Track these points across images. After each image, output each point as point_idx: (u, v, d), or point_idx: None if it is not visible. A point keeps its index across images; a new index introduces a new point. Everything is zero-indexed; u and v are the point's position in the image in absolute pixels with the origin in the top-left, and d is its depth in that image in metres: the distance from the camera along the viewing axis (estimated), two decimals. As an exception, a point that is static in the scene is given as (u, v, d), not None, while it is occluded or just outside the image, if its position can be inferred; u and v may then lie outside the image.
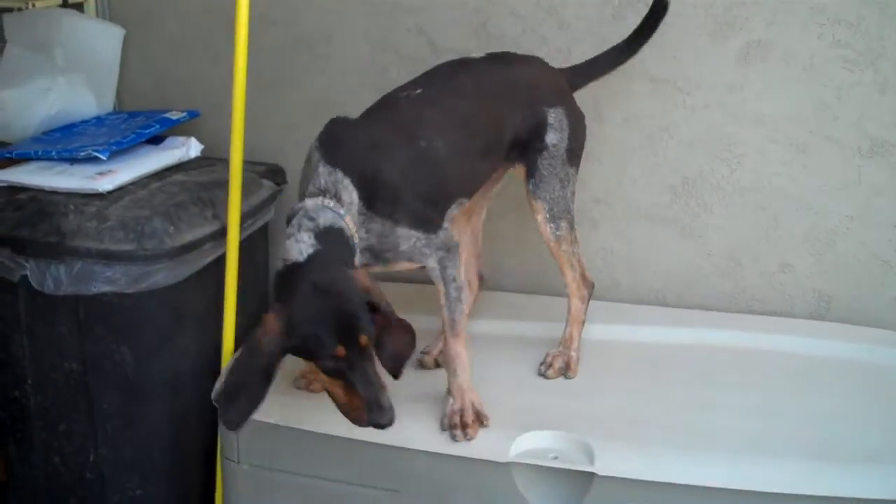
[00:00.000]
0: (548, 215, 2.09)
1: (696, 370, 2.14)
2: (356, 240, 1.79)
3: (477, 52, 2.15)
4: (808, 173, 2.37)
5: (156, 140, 2.44)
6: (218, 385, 1.79)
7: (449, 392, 1.93)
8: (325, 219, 1.75)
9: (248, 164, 2.30)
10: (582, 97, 2.37)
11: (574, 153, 2.13)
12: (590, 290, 2.20)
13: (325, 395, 1.76)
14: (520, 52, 2.22)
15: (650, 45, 2.36)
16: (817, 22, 2.30)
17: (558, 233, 2.11)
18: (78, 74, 2.56)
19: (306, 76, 2.66)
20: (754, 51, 2.35)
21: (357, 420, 1.71)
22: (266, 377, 1.67)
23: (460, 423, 1.89)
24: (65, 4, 2.69)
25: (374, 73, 2.59)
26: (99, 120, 2.57)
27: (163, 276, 2.09)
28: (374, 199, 1.81)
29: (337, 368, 1.68)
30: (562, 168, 2.09)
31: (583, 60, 2.27)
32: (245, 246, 2.21)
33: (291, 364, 1.79)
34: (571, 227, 2.12)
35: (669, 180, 2.47)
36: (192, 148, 2.44)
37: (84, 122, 2.56)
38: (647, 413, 1.94)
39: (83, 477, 2.21)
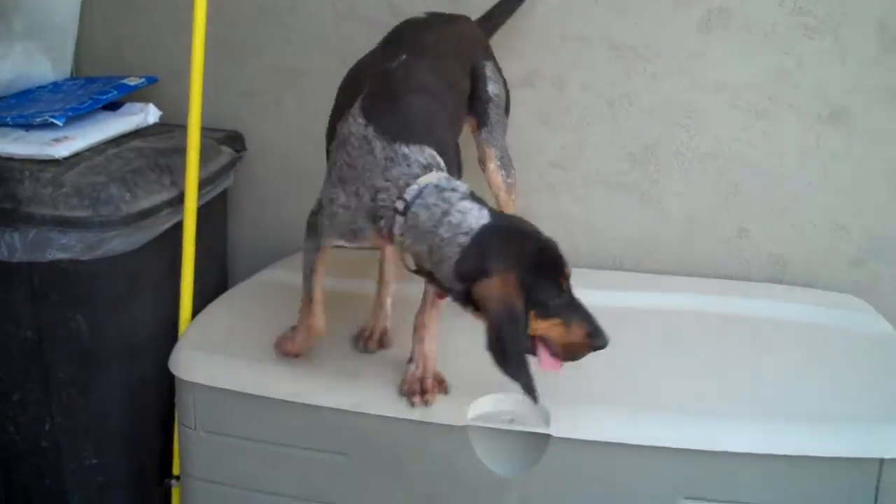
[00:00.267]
0: (499, 163, 2.13)
1: (653, 333, 2.14)
2: None
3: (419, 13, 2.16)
4: (767, 140, 2.38)
5: (113, 106, 2.41)
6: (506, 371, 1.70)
7: (412, 359, 1.93)
8: (458, 185, 1.73)
9: (207, 131, 2.29)
10: (541, 63, 2.37)
11: (508, 104, 2.19)
12: None
13: (280, 360, 1.75)
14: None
15: (612, 11, 2.37)
16: (778, -11, 2.31)
17: (508, 180, 2.15)
18: (34, 41, 2.52)
19: (269, 43, 2.63)
20: (716, 18, 2.35)
21: (578, 353, 1.71)
22: (525, 337, 1.67)
23: (420, 389, 1.89)
24: (21, -30, 2.66)
25: (337, 40, 2.56)
26: (56, 86, 2.54)
27: (118, 242, 2.07)
28: (448, 165, 1.80)
29: (557, 307, 1.68)
30: (504, 118, 2.14)
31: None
32: (203, 213, 2.20)
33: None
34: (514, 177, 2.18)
35: (629, 147, 2.47)
36: (150, 114, 2.41)
37: (40, 87, 2.52)
38: (603, 376, 1.94)
39: (38, 445, 2.19)
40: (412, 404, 1.87)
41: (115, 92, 2.41)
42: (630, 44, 2.41)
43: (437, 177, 1.72)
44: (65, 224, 2.03)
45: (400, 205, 1.71)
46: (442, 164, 1.76)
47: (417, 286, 1.92)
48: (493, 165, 2.12)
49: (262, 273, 2.44)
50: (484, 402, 1.87)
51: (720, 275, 2.46)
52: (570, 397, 1.87)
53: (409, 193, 1.71)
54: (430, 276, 1.74)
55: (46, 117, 2.23)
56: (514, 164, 2.18)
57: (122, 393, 2.18)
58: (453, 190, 1.70)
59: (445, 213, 1.68)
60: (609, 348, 2.04)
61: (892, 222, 2.39)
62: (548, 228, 2.23)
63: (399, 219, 1.72)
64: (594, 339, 1.70)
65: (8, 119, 2.27)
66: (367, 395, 1.90)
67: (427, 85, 1.87)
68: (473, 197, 1.71)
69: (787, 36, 2.31)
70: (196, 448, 2.03)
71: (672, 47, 2.39)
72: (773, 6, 2.30)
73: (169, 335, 2.15)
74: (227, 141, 2.51)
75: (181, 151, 2.17)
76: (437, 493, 1.90)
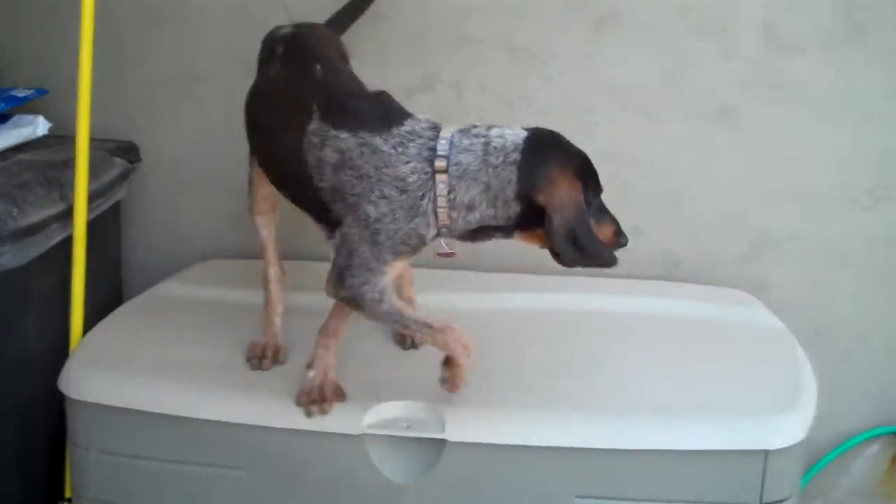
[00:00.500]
0: None
1: (548, 334, 2.17)
2: None
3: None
4: (657, 139, 2.43)
5: (1, 118, 2.36)
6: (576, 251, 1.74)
7: (310, 366, 1.92)
8: (474, 123, 1.76)
9: (98, 142, 2.26)
10: (439, 66, 2.38)
11: None
12: None
13: (172, 375, 1.72)
14: (376, 23, 2.23)
15: (508, 14, 2.39)
16: (666, -9, 2.35)
17: None
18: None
19: (162, 49, 2.59)
20: (608, 20, 2.38)
21: (610, 248, 1.77)
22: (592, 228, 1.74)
23: (319, 398, 1.88)
24: None
25: (232, 44, 2.53)
26: (-59, 98, 2.48)
27: (7, 258, 2.02)
28: None
29: (594, 207, 1.75)
30: None
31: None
32: (94, 226, 2.16)
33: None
34: None
35: (527, 149, 2.49)
36: (39, 126, 2.37)
37: (-75, 100, 2.46)
38: (498, 379, 1.96)
39: (-73, 467, 2.14)
40: (309, 414, 1.87)
41: (3, 104, 2.36)
42: (526, 46, 2.43)
43: (452, 127, 1.75)
44: (-50, 240, 1.98)
45: (441, 163, 1.71)
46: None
47: (306, 299, 1.91)
48: None
49: (156, 287, 2.40)
50: (380, 409, 1.87)
51: (616, 274, 2.49)
52: (465, 401, 1.89)
53: (441, 149, 1.71)
54: (475, 234, 1.77)
55: (-70, 131, 2.18)
56: None
57: (11, 413, 2.12)
58: (475, 126, 1.75)
59: (487, 144, 1.71)
60: (503, 350, 2.08)
61: (780, 218, 2.45)
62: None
63: (441, 184, 1.71)
64: (620, 237, 1.81)
65: None
66: (262, 407, 1.88)
67: (363, 86, 1.90)
68: (496, 125, 1.76)
69: (675, 37, 2.36)
70: (88, 469, 1.99)
71: (566, 49, 2.42)
72: (662, 8, 2.35)
73: (60, 352, 2.11)
74: (119, 152, 2.46)
75: (71, 164, 2.13)
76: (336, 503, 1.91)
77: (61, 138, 2.37)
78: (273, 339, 2.05)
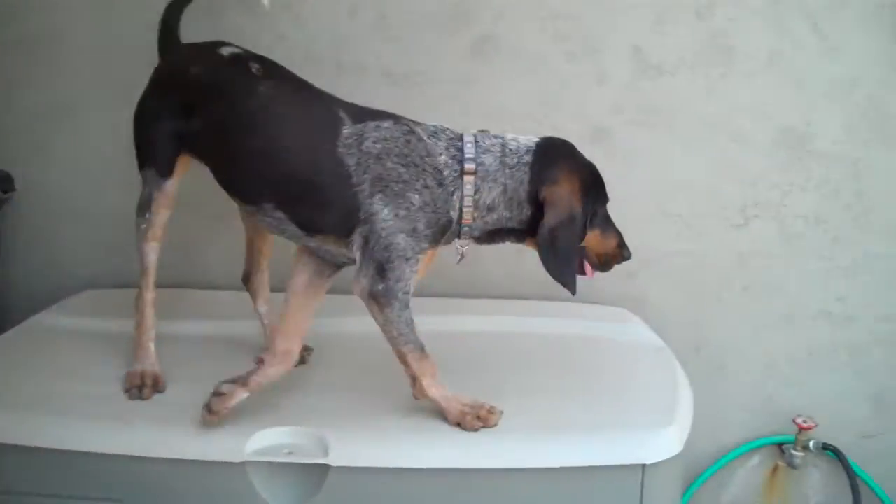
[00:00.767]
0: None
1: (435, 356, 2.17)
2: None
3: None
4: (536, 162, 2.47)
5: None
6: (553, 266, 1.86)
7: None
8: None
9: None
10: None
11: None
12: None
13: (48, 409, 1.68)
14: (258, 50, 2.21)
15: (386, 40, 2.41)
16: (540, 17, 2.41)
17: None
18: None
19: (34, 78, 2.54)
20: (485, 45, 2.43)
21: (610, 260, 1.93)
22: (581, 237, 1.86)
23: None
24: None
25: (108, 71, 2.49)
26: None
27: None
28: None
29: (599, 218, 1.88)
30: None
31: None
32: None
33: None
34: None
35: (409, 173, 2.51)
36: None
37: None
38: (380, 402, 1.97)
39: None
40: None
41: None
42: (404, 71, 2.46)
43: (470, 132, 1.87)
44: None
45: (470, 165, 1.83)
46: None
47: (181, 327, 1.88)
48: None
49: (35, 318, 2.34)
50: (262, 436, 1.85)
51: (501, 295, 2.53)
52: (348, 425, 1.89)
53: (469, 151, 1.83)
54: (493, 236, 1.89)
55: None
56: None
57: None
58: (488, 130, 1.88)
59: (504, 146, 1.85)
60: (387, 373, 2.08)
61: (657, 237, 2.52)
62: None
63: (468, 184, 1.83)
64: (623, 249, 1.92)
65: None
66: (140, 437, 1.84)
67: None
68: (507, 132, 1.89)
69: (550, 61, 2.42)
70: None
71: (445, 74, 2.45)
72: (536, 33, 2.41)
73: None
74: (-7, 182, 2.41)
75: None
76: (218, 533, 1.88)
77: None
78: (150, 366, 2.02)
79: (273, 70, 1.95)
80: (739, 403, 2.67)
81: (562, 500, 1.88)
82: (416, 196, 1.81)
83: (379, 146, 1.82)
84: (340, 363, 2.16)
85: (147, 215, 2.01)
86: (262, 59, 1.96)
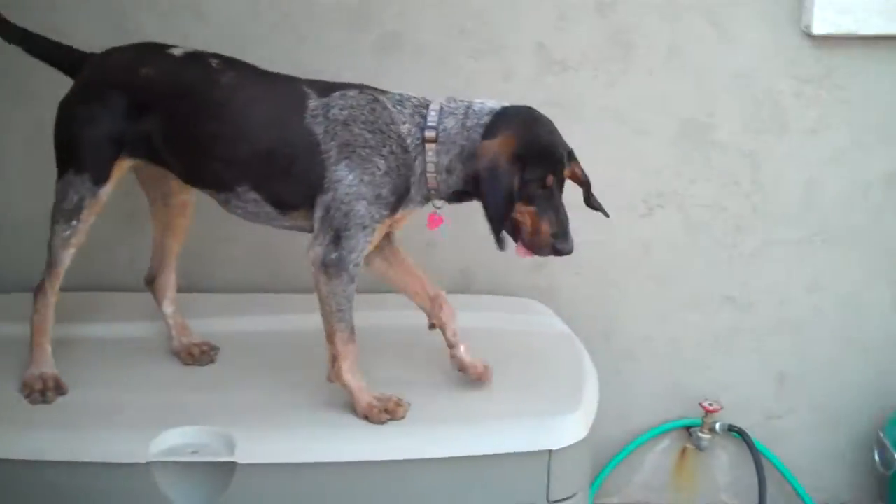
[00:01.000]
0: None
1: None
2: None
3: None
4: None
5: None
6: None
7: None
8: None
9: None
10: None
11: None
12: None
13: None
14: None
15: (290, 36, 2.41)
16: (444, 14, 2.43)
17: None
18: None
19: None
20: (389, 42, 2.45)
21: (542, 249, 1.87)
22: (510, 197, 1.82)
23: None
24: None
25: (10, 77, 2.45)
26: None
27: None
28: None
29: (537, 195, 1.84)
30: None
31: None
32: None
33: None
34: None
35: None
36: None
37: None
38: (287, 398, 1.98)
39: None
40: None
41: None
42: (308, 70, 2.44)
43: (442, 97, 1.91)
44: None
45: (430, 133, 1.87)
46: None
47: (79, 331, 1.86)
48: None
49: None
50: (166, 436, 1.85)
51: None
52: (255, 422, 1.90)
53: (431, 119, 1.88)
54: (460, 196, 1.93)
55: None
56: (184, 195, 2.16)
57: None
58: (462, 99, 1.91)
59: (468, 107, 1.88)
60: (294, 369, 2.09)
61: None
62: (248, 254, 2.28)
63: (430, 151, 1.87)
64: (557, 240, 1.86)
65: None
66: (41, 441, 1.83)
67: None
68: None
69: (455, 58, 2.44)
70: None
71: (349, 73, 2.42)
72: (440, 30, 2.43)
73: None
74: None
75: None
76: (124, 536, 1.87)
77: None
78: (49, 368, 2.01)
79: (232, 62, 2.01)
80: (648, 389, 2.73)
81: (471, 488, 1.92)
82: (383, 161, 1.87)
83: (345, 113, 1.89)
84: (246, 361, 2.16)
85: (74, 222, 1.99)
86: (217, 55, 2.02)
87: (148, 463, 1.82)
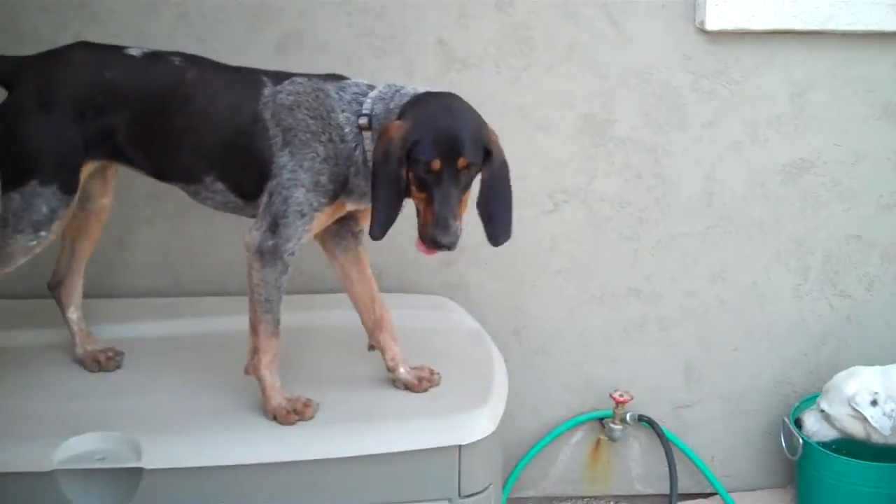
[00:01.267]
0: None
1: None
2: None
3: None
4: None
5: None
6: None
7: None
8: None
9: None
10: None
11: None
12: None
13: None
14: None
15: (189, 40, 2.39)
16: (346, 12, 2.43)
17: None
18: None
19: None
20: (291, 40, 2.44)
21: (422, 235, 1.83)
22: (395, 179, 1.79)
23: None
24: None
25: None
26: None
27: None
28: None
29: (427, 181, 1.79)
30: None
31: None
32: None
33: None
34: None
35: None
36: None
37: None
38: (193, 402, 1.97)
39: None
40: None
41: None
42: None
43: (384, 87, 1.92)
44: None
45: (364, 120, 1.88)
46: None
47: None
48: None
49: None
50: (71, 443, 1.82)
51: (324, 289, 2.53)
52: (161, 427, 1.88)
53: (366, 107, 1.89)
54: None
55: None
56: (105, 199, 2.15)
57: None
58: (398, 85, 1.92)
59: (396, 92, 1.89)
60: (193, 374, 2.06)
61: (471, 225, 2.55)
62: (150, 259, 2.26)
63: (367, 139, 1.88)
64: (436, 228, 1.80)
65: None
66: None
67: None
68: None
69: (357, 56, 2.45)
70: None
71: (253, 71, 2.44)
72: (341, 28, 2.43)
73: None
74: None
75: None
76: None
77: None
78: None
79: (193, 59, 2.03)
80: (560, 382, 2.76)
81: (383, 485, 1.93)
82: (322, 148, 1.89)
83: (291, 98, 1.92)
84: (151, 366, 2.14)
85: (43, 233, 1.96)
86: (177, 53, 2.04)
87: (53, 471, 1.78)
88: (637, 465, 2.84)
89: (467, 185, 1.85)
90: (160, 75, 1.99)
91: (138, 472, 1.80)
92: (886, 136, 2.65)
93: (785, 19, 2.49)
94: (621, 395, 2.71)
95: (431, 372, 2.10)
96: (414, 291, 2.55)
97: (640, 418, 2.74)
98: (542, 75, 2.52)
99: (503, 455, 2.26)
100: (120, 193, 2.28)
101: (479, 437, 1.95)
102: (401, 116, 1.84)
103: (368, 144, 1.88)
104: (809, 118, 2.61)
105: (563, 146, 2.59)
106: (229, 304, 2.41)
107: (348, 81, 1.95)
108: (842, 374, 2.56)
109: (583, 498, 2.83)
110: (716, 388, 2.80)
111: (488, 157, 1.88)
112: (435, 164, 1.79)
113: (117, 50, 2.03)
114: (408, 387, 2.07)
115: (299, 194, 1.88)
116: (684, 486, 2.78)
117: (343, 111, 1.90)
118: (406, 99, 1.88)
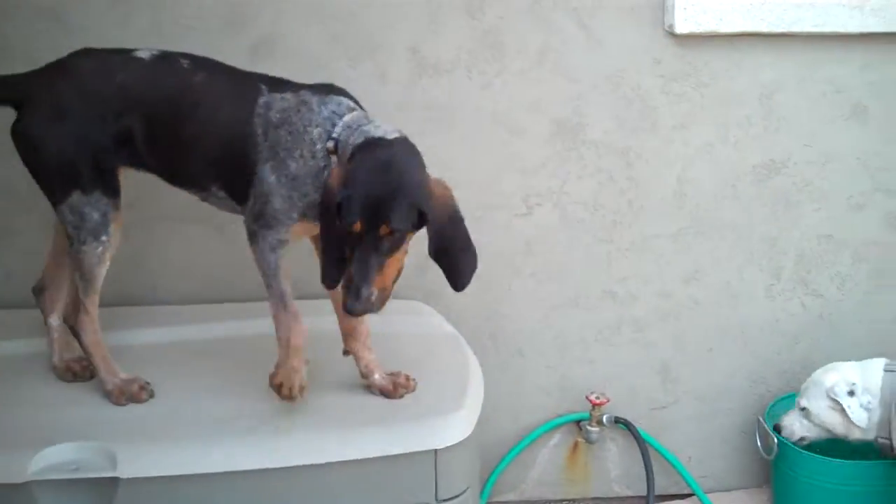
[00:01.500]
0: None
1: (224, 361, 2.17)
2: None
3: None
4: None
5: None
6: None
7: None
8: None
9: None
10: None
11: None
12: None
13: None
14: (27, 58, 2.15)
15: (165, 43, 2.38)
16: (318, 18, 2.44)
17: None
18: None
19: None
20: (264, 47, 2.44)
21: (343, 297, 1.79)
22: (331, 231, 1.80)
23: None
24: None
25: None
26: None
27: None
28: None
29: (351, 241, 1.76)
30: None
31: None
32: None
33: None
34: None
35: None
36: None
37: None
38: (168, 411, 1.96)
39: None
40: None
41: None
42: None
43: (359, 114, 1.92)
44: None
45: (330, 144, 1.87)
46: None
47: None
48: None
49: None
50: (46, 454, 1.82)
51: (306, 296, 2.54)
52: (137, 436, 1.87)
53: (336, 131, 1.87)
54: None
55: None
56: None
57: None
58: (367, 118, 1.90)
59: (360, 127, 1.85)
60: (169, 383, 2.06)
61: (444, 229, 2.59)
62: (123, 268, 2.23)
63: (333, 160, 1.87)
64: (348, 295, 1.78)
65: None
66: None
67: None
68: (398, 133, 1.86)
69: (330, 62, 2.45)
70: None
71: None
72: (311, 34, 2.45)
73: None
74: None
75: None
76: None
77: None
78: None
79: (201, 61, 2.04)
80: (537, 385, 2.77)
81: (360, 491, 1.93)
82: (293, 164, 1.90)
83: (279, 116, 1.92)
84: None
85: (104, 238, 1.99)
86: (186, 55, 2.04)
87: (27, 482, 1.77)
88: (615, 466, 2.85)
89: (393, 250, 1.80)
90: (169, 80, 2.01)
91: (114, 481, 1.80)
92: (855, 137, 2.68)
93: (753, 22, 2.52)
94: (598, 398, 2.72)
95: (407, 378, 2.10)
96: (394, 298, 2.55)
97: (617, 420, 2.75)
98: (513, 80, 2.54)
99: (481, 459, 2.27)
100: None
101: (456, 441, 1.96)
102: (351, 158, 1.82)
103: (334, 165, 1.88)
104: (779, 119, 2.64)
105: (537, 150, 2.60)
106: (205, 312, 2.44)
107: (333, 97, 1.94)
108: (820, 369, 2.58)
109: (561, 501, 2.84)
110: (691, 389, 2.82)
111: (423, 218, 1.80)
112: (356, 226, 1.75)
113: (126, 53, 2.03)
114: (383, 393, 2.08)
115: (276, 201, 1.90)
116: (662, 487, 2.80)
117: (317, 126, 1.90)
118: (361, 140, 1.83)
